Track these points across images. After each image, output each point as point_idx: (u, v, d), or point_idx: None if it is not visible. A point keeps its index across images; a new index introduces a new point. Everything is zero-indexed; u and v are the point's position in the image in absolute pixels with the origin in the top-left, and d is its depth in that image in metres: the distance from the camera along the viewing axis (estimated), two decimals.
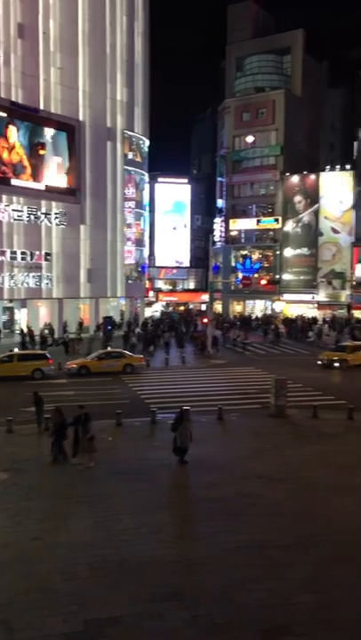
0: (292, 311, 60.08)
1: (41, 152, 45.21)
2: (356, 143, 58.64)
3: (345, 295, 58.43)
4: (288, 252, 61.57)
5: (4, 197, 42.67)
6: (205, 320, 42.39)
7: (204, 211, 74.55)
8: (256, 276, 59.35)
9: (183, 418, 16.53)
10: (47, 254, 45.58)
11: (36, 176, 44.79)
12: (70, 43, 46.26)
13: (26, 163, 44.16)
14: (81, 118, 47.50)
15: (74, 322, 47.52)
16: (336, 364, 33.92)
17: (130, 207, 53.46)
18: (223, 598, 9.34)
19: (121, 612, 8.90)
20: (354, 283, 57.20)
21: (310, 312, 58.40)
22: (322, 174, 59.70)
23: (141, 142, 54.66)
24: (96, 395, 25.74)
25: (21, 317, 45.54)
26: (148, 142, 55.44)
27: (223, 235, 65.16)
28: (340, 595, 9.51)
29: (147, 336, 42.12)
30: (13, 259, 43.61)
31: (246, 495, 14.11)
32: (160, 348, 40.65)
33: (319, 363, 34.58)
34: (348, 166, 58.90)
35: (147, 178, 57.41)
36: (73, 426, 16.34)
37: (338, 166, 59.50)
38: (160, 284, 71.20)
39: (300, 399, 24.48)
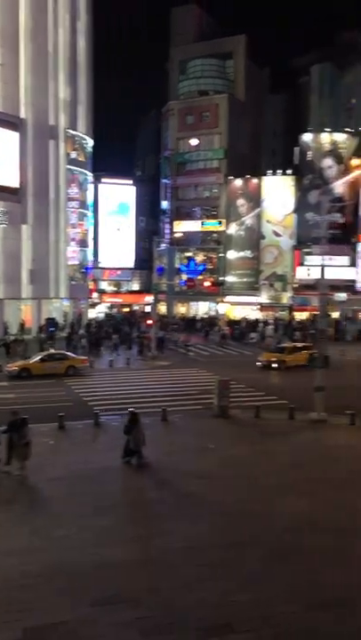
0: (236, 313, 60.81)
1: None
2: (296, 149, 59.97)
3: (286, 297, 59.62)
4: (231, 255, 62.30)
5: None
6: (150, 321, 42.34)
7: (148, 212, 74.47)
8: (200, 277, 59.72)
9: (137, 420, 16.44)
10: None
11: None
12: (11, 38, 45.30)
13: None
14: (22, 116, 46.58)
15: (15, 323, 46.52)
16: (274, 365, 34.33)
17: (73, 207, 52.84)
18: (165, 599, 9.31)
19: (61, 617, 8.73)
20: (295, 285, 58.46)
21: (253, 314, 59.27)
22: (264, 178, 60.75)
23: (85, 142, 54.12)
24: (38, 397, 25.27)
25: None
26: (91, 142, 54.96)
27: (168, 236, 65.30)
28: (279, 591, 9.66)
29: (90, 338, 41.76)
30: None
31: (189, 495, 14.15)
32: (107, 349, 40.56)
33: (258, 364, 34.99)
34: (289, 171, 60.13)
35: (90, 178, 56.90)
36: (6, 433, 15.77)
37: (280, 171, 60.66)
38: (104, 286, 70.63)
39: (243, 399, 24.77)
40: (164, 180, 66.66)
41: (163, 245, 63.93)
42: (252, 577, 10.13)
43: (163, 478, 15.52)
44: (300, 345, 37.43)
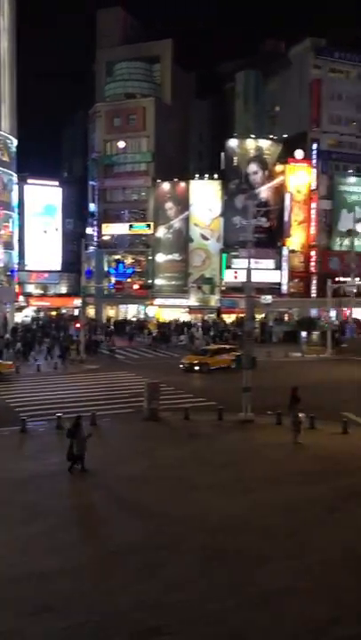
0: (165, 315, 61.05)
1: None
2: (223, 154, 61.01)
3: (214, 300, 60.46)
4: (160, 258, 62.51)
5: None
6: (78, 325, 41.80)
7: (75, 214, 73.49)
8: (129, 280, 59.54)
9: (80, 424, 16.20)
10: None
11: None
12: None
13: None
14: None
15: None
16: (196, 368, 34.18)
17: None
18: (95, 606, 9.21)
19: None
20: (223, 288, 59.40)
21: (182, 316, 59.70)
22: (192, 182, 61.38)
23: (9, 141, 52.78)
24: None
25: None
26: (16, 142, 53.67)
27: (96, 239, 64.71)
28: (211, 591, 9.77)
29: (20, 342, 40.79)
30: None
31: (120, 499, 14.08)
32: (38, 353, 39.76)
33: (180, 367, 34.82)
34: (216, 176, 61.07)
35: (15, 179, 55.53)
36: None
37: (207, 175, 61.49)
38: (31, 289, 69.07)
39: (172, 402, 24.88)
40: (91, 182, 66.04)
41: (91, 248, 63.30)
42: (183, 578, 10.19)
43: (93, 483, 15.35)
44: (223, 347, 37.83)
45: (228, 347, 38.11)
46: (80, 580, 10.10)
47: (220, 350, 36.39)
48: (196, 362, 34.63)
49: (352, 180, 63.96)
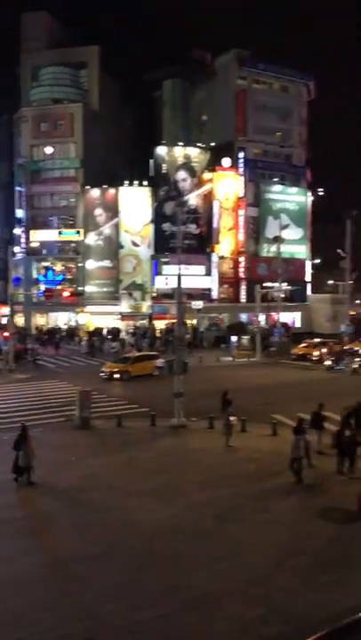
0: (97, 323, 60.50)
1: None
2: (151, 161, 61.33)
3: (146, 306, 60.52)
4: (91, 265, 61.98)
5: None
6: (6, 334, 40.72)
7: (2, 220, 71.69)
8: (59, 287, 58.67)
9: (26, 435, 15.75)
10: None
11: None
12: None
13: None
14: None
15: None
16: (117, 376, 33.36)
17: None
18: (22, 621, 9.01)
19: None
20: (154, 294, 59.56)
21: (114, 323, 59.35)
22: (121, 189, 61.27)
23: None
24: None
25: None
26: None
27: (24, 246, 63.37)
28: (145, 598, 9.78)
29: None
30: None
31: (52, 510, 13.84)
32: None
33: (102, 375, 33.95)
34: (145, 182, 61.28)
35: None
36: None
37: (136, 182, 61.57)
38: None
39: (105, 410, 24.73)
40: (18, 188, 64.67)
41: (19, 255, 61.93)
42: (117, 586, 10.15)
43: (25, 495, 15.02)
44: (145, 354, 37.54)
45: (150, 354, 37.96)
46: (9, 596, 9.85)
47: (141, 358, 35.87)
48: (116, 370, 33.84)
49: (277, 188, 65.82)
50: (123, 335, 53.19)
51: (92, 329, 56.26)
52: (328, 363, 37.72)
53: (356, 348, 43.85)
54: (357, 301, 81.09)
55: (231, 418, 19.68)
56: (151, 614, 9.20)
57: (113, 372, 33.76)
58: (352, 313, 56.46)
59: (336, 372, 36.56)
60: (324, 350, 42.16)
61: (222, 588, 10.12)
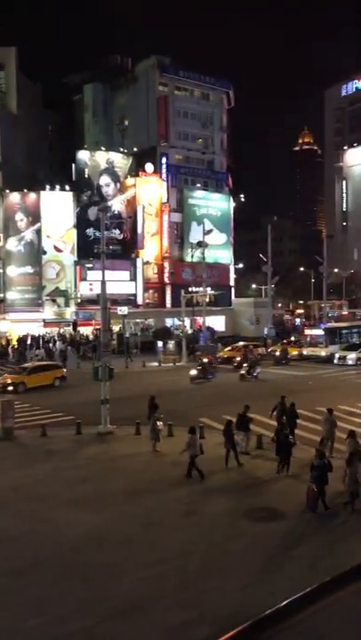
0: (19, 330, 58.90)
1: None
2: (74, 165, 60.58)
3: (70, 312, 59.60)
4: (12, 271, 60.35)
5: None
6: None
7: None
8: None
9: None
10: None
11: None
12: None
13: None
14: None
15: None
16: (10, 388, 30.60)
17: None
18: None
19: None
20: (78, 300, 58.74)
21: (38, 330, 58.01)
22: (43, 193, 60.12)
23: None
24: None
25: None
26: None
27: None
28: (71, 609, 9.55)
29: None
30: None
31: None
32: None
33: None
34: (67, 187, 60.44)
35: None
36: None
37: (58, 186, 60.62)
38: None
39: (29, 419, 24.07)
40: None
41: None
42: (43, 600, 9.85)
43: None
44: (45, 364, 36.19)
45: (51, 364, 36.77)
46: None
47: (39, 368, 33.96)
48: (9, 381, 31.29)
49: (200, 194, 66.73)
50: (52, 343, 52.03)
51: (22, 335, 54.65)
52: (242, 372, 35.82)
53: (270, 350, 44.94)
54: (280, 304, 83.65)
55: (158, 423, 19.64)
56: (77, 626, 8.98)
57: (6, 385, 30.97)
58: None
59: (248, 379, 34.93)
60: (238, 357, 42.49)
61: (152, 594, 10.04)
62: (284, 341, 48.66)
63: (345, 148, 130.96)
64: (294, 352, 44.77)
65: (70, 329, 57.42)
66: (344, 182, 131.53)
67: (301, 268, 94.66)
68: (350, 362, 40.66)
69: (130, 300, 58.02)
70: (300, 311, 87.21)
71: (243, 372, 35.77)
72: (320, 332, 46.12)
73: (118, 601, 9.79)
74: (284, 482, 16.09)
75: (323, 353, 43.06)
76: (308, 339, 46.17)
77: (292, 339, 50.06)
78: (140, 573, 10.80)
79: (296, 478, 16.08)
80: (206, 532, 12.68)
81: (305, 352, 44.56)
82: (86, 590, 10.20)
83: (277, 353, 43.78)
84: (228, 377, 36.81)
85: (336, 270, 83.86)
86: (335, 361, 41.43)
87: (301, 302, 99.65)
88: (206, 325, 51.41)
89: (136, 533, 12.70)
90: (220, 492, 15.36)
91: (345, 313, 72.73)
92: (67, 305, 59.56)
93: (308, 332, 48.77)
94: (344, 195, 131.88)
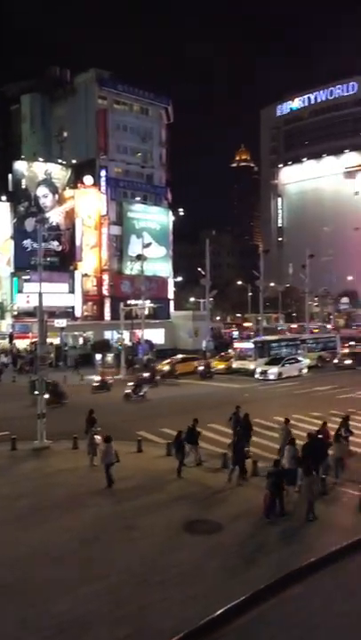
0: None
1: None
2: (10, 176, 59.53)
3: (6, 325, 58.20)
4: None
5: None
6: None
7: None
8: None
9: None
10: None
11: None
12: None
13: None
14: None
15: None
16: None
17: None
18: None
19: None
20: (15, 312, 57.48)
21: None
22: None
23: None
24: None
25: None
26: None
27: None
28: (8, 629, 9.27)
29: None
30: None
31: None
32: None
33: None
34: (4, 198, 59.28)
35: None
36: None
37: None
38: None
39: None
40: None
41: None
42: None
43: None
44: None
45: None
46: None
47: None
48: None
49: (140, 207, 66.94)
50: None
51: None
52: (127, 390, 33.19)
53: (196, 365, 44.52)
54: (218, 317, 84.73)
55: (96, 437, 19.43)
56: None
57: None
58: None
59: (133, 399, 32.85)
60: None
61: (89, 611, 9.88)
62: (222, 354, 49.20)
63: (280, 166, 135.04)
64: (222, 365, 44.87)
65: (6, 342, 56.03)
66: (279, 199, 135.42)
67: (239, 282, 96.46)
68: (272, 376, 40.42)
69: (68, 313, 57.30)
70: (248, 324, 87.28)
71: (128, 390, 33.32)
72: (249, 345, 46.02)
73: (55, 620, 9.58)
74: (225, 493, 16.24)
75: (251, 366, 42.93)
76: (238, 352, 45.88)
77: (230, 351, 50.68)
78: (79, 591, 10.62)
79: (238, 489, 16.25)
80: (145, 547, 12.61)
81: (234, 365, 44.58)
82: (22, 609, 9.93)
83: (201, 367, 43.45)
84: (167, 389, 36.85)
85: (272, 284, 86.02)
86: (256, 375, 41.11)
87: (239, 315, 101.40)
88: (145, 338, 51.36)
89: (74, 549, 12.49)
90: (160, 504, 15.32)
91: (295, 326, 74.54)
92: (2, 317, 58.17)
93: (237, 345, 48.54)
94: (280, 211, 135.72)
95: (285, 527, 13.64)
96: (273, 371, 40.88)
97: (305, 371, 43.62)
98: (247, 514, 14.48)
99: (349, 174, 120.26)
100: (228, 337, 69.21)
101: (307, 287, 66.59)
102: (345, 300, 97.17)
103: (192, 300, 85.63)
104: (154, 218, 67.98)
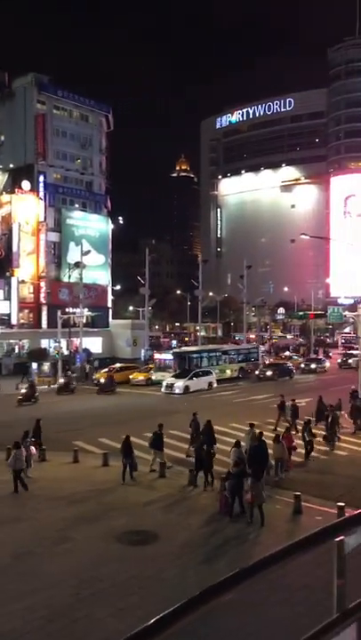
0: None
1: None
2: None
3: None
4: None
5: None
6: None
7: None
8: None
9: None
10: None
11: None
12: None
13: None
14: None
15: None
16: None
17: None
18: None
19: None
20: None
21: None
22: None
23: None
24: None
25: None
26: None
27: None
28: None
29: None
30: None
31: None
32: None
33: None
34: None
35: None
36: None
37: None
38: None
39: None
40: None
41: None
42: None
43: None
44: None
45: None
46: None
47: None
48: None
49: (79, 214, 66.38)
50: None
51: None
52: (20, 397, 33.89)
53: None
54: (157, 326, 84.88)
55: (31, 448, 19.02)
56: None
57: None
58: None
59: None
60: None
61: (21, 627, 9.61)
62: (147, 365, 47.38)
63: (220, 177, 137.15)
64: (141, 377, 43.14)
65: None
66: (219, 210, 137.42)
67: (178, 291, 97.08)
68: (177, 390, 37.77)
69: (3, 320, 55.95)
70: (203, 333, 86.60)
71: (20, 397, 33.95)
72: (169, 356, 44.61)
73: None
74: (164, 502, 16.22)
75: None
76: (158, 363, 44.48)
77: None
78: (10, 606, 10.31)
79: (176, 497, 16.27)
80: (78, 559, 12.41)
81: (153, 377, 42.55)
82: None
83: (102, 380, 40.88)
84: (104, 399, 36.52)
85: (211, 294, 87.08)
86: (162, 389, 38.54)
87: (178, 324, 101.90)
88: (83, 347, 50.81)
89: (5, 564, 12.14)
90: (97, 515, 15.11)
91: (253, 337, 75.05)
92: None
93: (157, 356, 46.86)
94: (219, 222, 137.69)
95: (224, 535, 13.76)
96: (179, 384, 38.11)
97: (215, 384, 40.88)
98: (185, 523, 14.52)
99: (286, 188, 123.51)
100: (167, 346, 69.53)
101: (244, 297, 67.73)
102: (281, 310, 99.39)
103: (131, 308, 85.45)
104: (93, 225, 67.54)
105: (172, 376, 40.03)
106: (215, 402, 34.92)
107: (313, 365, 53.71)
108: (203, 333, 67.58)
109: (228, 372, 45.85)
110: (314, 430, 21.97)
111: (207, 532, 13.92)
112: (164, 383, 39.06)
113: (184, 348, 49.67)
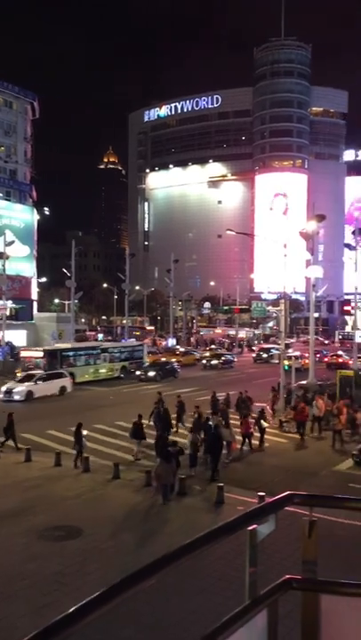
0: None
1: None
2: None
3: None
4: None
5: None
6: None
7: None
8: None
9: None
10: None
11: None
12: None
13: None
14: None
15: None
16: None
17: None
18: None
19: None
20: None
21: None
22: None
23: None
24: None
25: None
26: None
27: None
28: None
29: None
30: None
31: None
32: None
33: None
34: None
35: None
36: None
37: None
38: None
39: None
40: None
41: None
42: None
43: None
44: None
45: None
46: None
47: None
48: None
49: (2, 204, 64.36)
50: None
51: None
52: None
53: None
54: (83, 320, 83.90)
55: None
56: None
57: None
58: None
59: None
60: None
61: None
62: None
63: (147, 170, 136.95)
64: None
65: None
66: (146, 204, 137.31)
67: (105, 285, 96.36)
68: (17, 397, 32.00)
69: None
70: (149, 330, 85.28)
71: None
72: (39, 354, 39.12)
73: None
74: (94, 494, 16.07)
75: None
76: (26, 362, 39.72)
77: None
78: None
79: (107, 491, 16.14)
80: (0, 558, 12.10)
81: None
82: None
83: None
84: None
85: (138, 288, 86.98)
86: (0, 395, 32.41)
87: (104, 318, 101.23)
88: (6, 340, 49.45)
89: None
90: (15, 513, 14.77)
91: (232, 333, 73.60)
92: None
93: (24, 354, 41.40)
94: (146, 215, 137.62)
95: (149, 526, 13.80)
96: (20, 390, 32.46)
97: (70, 389, 35.24)
98: (111, 516, 14.43)
99: (213, 184, 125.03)
100: (94, 340, 68.86)
101: (171, 291, 68.09)
102: (207, 304, 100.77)
103: (57, 301, 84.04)
104: (17, 215, 65.69)
105: (17, 380, 34.37)
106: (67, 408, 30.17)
107: (214, 362, 50.99)
108: (130, 324, 67.23)
109: (105, 371, 41.78)
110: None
111: (131, 525, 13.92)
112: (2, 388, 32.87)
113: (57, 345, 44.42)
